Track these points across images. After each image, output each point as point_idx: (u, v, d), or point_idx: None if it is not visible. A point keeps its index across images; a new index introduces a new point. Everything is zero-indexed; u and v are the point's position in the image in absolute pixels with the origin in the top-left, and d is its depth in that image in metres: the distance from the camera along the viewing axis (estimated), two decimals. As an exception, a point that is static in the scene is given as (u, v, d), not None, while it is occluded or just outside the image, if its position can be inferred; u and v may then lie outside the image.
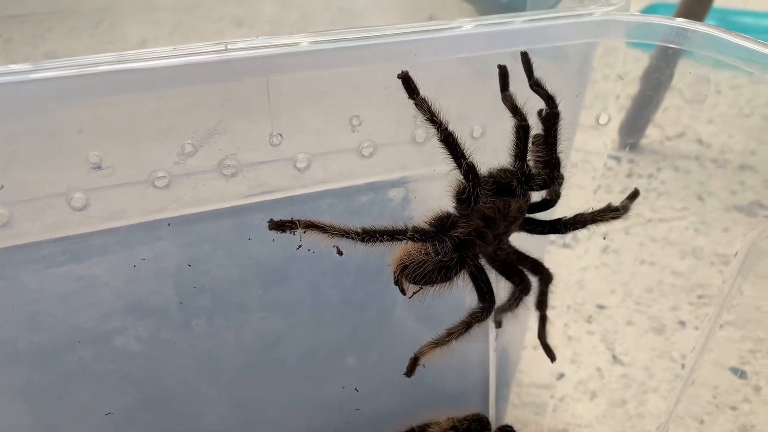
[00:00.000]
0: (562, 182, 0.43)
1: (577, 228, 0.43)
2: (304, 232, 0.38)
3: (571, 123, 0.50)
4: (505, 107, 0.38)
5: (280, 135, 0.40)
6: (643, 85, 0.77)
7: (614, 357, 0.72)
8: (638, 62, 0.51)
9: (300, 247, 0.41)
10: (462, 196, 0.39)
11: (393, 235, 0.38)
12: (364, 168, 0.44)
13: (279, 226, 0.37)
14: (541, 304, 0.48)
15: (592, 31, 0.44)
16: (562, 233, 0.43)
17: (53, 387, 0.45)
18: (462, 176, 0.38)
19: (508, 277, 0.45)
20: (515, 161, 0.39)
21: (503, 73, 0.38)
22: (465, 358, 0.60)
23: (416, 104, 0.36)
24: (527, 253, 0.46)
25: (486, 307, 0.43)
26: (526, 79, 0.39)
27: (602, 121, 0.48)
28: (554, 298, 0.69)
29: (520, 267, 0.45)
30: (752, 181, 0.90)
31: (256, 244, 0.44)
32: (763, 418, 0.65)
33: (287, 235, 0.38)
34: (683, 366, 0.61)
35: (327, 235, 0.38)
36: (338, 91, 0.41)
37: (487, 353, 0.59)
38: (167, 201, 0.39)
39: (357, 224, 0.38)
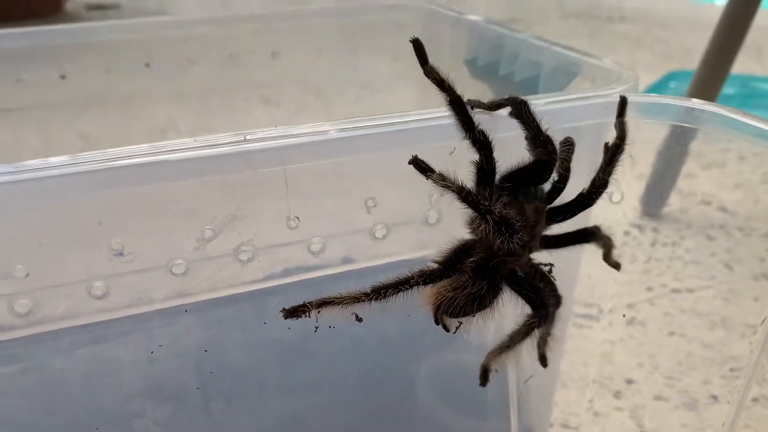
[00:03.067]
0: (570, 152, 0.40)
1: (601, 192, 0.40)
2: (318, 312, 0.38)
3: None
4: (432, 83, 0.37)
5: (297, 218, 0.41)
6: (661, 156, 0.77)
7: (644, 434, 0.70)
8: (654, 136, 0.51)
9: (317, 328, 0.41)
10: (493, 241, 0.38)
11: (399, 286, 0.37)
12: (383, 248, 0.44)
13: (293, 313, 0.37)
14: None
15: (602, 112, 0.44)
16: (590, 205, 0.40)
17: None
18: (494, 227, 0.37)
19: (534, 298, 0.41)
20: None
21: (418, 47, 0.37)
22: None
23: (433, 181, 0.37)
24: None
25: (542, 314, 0.40)
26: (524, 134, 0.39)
27: (615, 199, 0.48)
28: (577, 372, 0.67)
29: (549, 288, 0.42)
30: (781, 248, 0.88)
31: (273, 327, 0.44)
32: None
33: (304, 318, 0.38)
34: (716, 444, 0.59)
35: (340, 306, 0.37)
36: (354, 174, 0.42)
37: (510, 432, 0.58)
38: (184, 287, 0.39)
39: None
